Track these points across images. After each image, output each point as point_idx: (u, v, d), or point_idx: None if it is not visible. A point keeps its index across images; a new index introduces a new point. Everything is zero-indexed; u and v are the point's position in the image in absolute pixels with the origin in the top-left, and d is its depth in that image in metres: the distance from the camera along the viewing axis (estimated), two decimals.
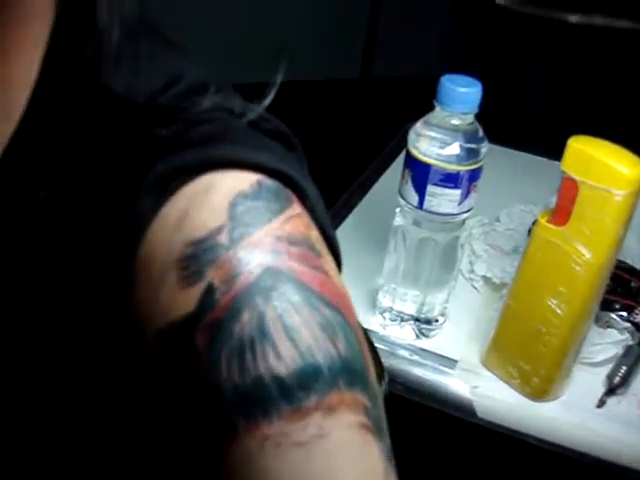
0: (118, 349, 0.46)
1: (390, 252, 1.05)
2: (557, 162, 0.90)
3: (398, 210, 1.01)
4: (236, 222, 0.45)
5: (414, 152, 0.95)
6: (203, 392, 0.43)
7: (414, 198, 0.96)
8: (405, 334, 1.06)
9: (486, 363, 1.03)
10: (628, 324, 1.10)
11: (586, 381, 1.03)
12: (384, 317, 1.07)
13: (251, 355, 0.43)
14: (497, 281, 1.14)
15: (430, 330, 1.06)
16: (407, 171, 0.97)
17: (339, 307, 0.46)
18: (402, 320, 1.06)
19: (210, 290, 0.44)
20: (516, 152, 1.48)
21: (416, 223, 0.99)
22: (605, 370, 1.04)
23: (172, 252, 0.45)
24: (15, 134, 0.40)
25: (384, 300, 1.07)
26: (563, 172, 0.89)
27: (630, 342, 1.08)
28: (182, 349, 0.44)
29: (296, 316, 0.44)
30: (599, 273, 0.91)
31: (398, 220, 1.01)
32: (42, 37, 0.38)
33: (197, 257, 0.44)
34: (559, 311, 0.93)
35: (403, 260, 1.03)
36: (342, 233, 1.20)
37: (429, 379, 1.03)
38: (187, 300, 0.44)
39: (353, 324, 0.47)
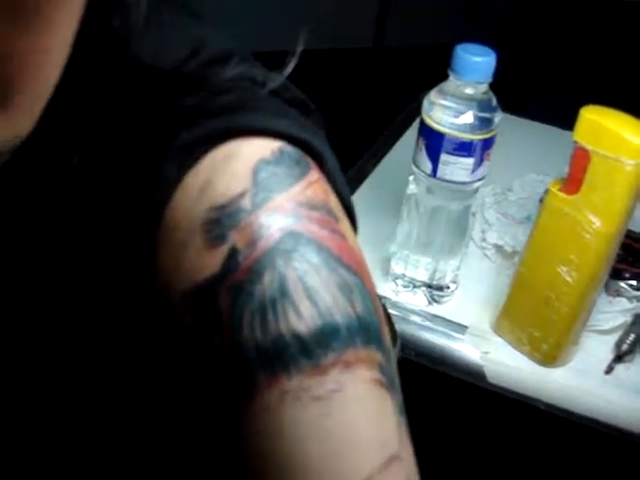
0: (142, 314, 0.48)
1: (403, 220, 1.06)
2: (570, 132, 0.91)
3: (411, 178, 1.02)
4: (259, 187, 0.46)
5: (428, 121, 0.96)
6: (225, 350, 0.45)
7: (428, 166, 0.97)
8: (417, 300, 1.08)
9: (496, 329, 1.05)
10: (638, 293, 1.11)
11: (595, 348, 1.05)
12: (397, 284, 1.09)
13: (272, 314, 0.44)
14: (509, 249, 1.15)
15: (442, 296, 1.08)
16: (421, 139, 0.98)
17: (356, 269, 0.48)
18: (414, 287, 1.08)
19: (233, 253, 0.45)
20: (530, 122, 1.49)
21: (429, 191, 1.00)
22: (614, 338, 1.06)
23: (196, 217, 0.46)
24: (48, 104, 0.41)
25: (397, 267, 1.09)
26: (575, 142, 0.90)
27: (639, 311, 1.09)
28: (206, 310, 0.45)
29: (316, 277, 0.45)
30: (609, 242, 0.93)
31: (411, 188, 1.02)
32: (79, 10, 0.40)
33: (220, 221, 0.46)
34: (569, 279, 0.95)
35: (416, 228, 1.04)
36: (355, 201, 1.20)
37: (440, 344, 1.05)
38: (211, 262, 0.45)
39: (369, 286, 0.49)
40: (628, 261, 1.15)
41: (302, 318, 0.44)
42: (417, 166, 0.99)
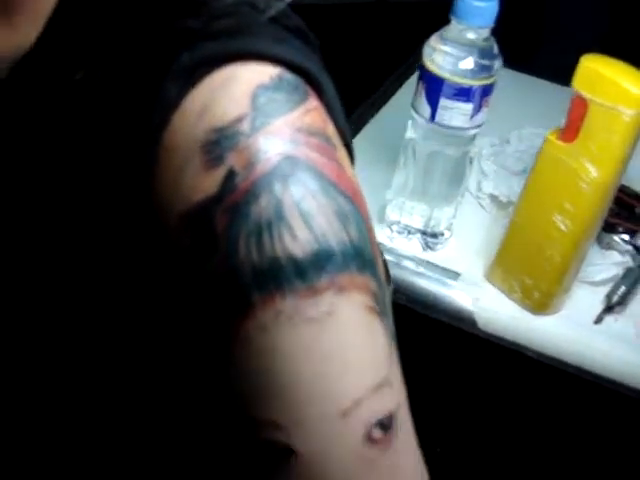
0: (138, 236, 0.49)
1: (400, 166, 1.06)
2: (571, 89, 0.91)
3: (410, 123, 1.02)
4: (257, 112, 0.47)
5: (428, 65, 0.96)
6: (221, 271, 0.45)
7: (426, 111, 0.98)
8: (411, 247, 1.09)
9: (489, 277, 1.06)
10: (630, 247, 1.12)
11: (585, 299, 1.06)
12: (392, 230, 1.09)
13: (268, 237, 0.45)
14: (504, 199, 1.16)
15: (436, 244, 1.09)
16: (421, 84, 0.98)
17: (353, 198, 0.48)
18: (409, 233, 1.09)
19: (231, 175, 0.46)
20: (529, 77, 1.49)
21: (427, 136, 1.00)
22: (605, 289, 1.07)
23: (195, 138, 0.46)
24: (51, 19, 0.42)
25: (392, 214, 1.09)
26: (574, 90, 0.91)
27: (631, 264, 1.10)
28: (203, 231, 0.46)
29: (312, 202, 0.46)
30: (604, 191, 0.93)
31: (410, 133, 1.02)
32: None
33: (219, 143, 0.46)
34: (563, 227, 0.95)
35: (412, 174, 1.05)
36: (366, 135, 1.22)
37: (433, 290, 1.05)
38: (209, 184, 0.46)
39: (365, 215, 0.49)
40: (622, 216, 1.15)
41: (297, 241, 0.45)
42: (416, 111, 1.00)
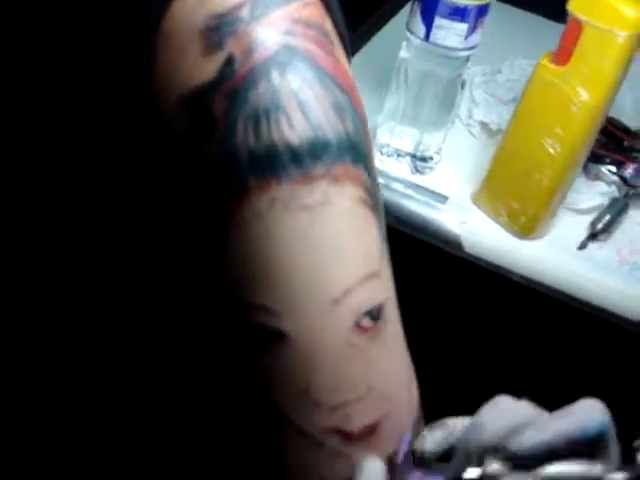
0: (136, 123, 0.49)
1: (392, 90, 1.07)
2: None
3: (404, 44, 1.02)
4: (257, 0, 0.47)
5: None
6: (218, 155, 0.46)
7: (421, 30, 0.98)
8: (401, 170, 1.09)
9: (476, 200, 1.07)
10: (616, 178, 1.13)
11: (571, 225, 1.07)
12: (382, 152, 1.10)
13: (266, 122, 0.45)
14: (494, 127, 1.16)
15: (425, 167, 1.10)
16: (416, 3, 0.98)
17: (349, 91, 0.49)
18: (399, 156, 1.09)
19: (230, 60, 0.46)
20: (524, 12, 1.49)
21: (421, 57, 1.01)
22: (590, 218, 1.08)
23: (195, 24, 0.47)
24: None
25: (383, 137, 1.10)
26: (569, 13, 0.91)
27: (616, 194, 1.12)
28: (201, 114, 0.46)
29: (309, 92, 0.46)
30: (595, 115, 0.94)
31: (403, 54, 1.02)
32: None
33: (219, 29, 0.46)
34: (552, 151, 0.96)
35: (403, 97, 1.05)
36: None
37: (421, 213, 1.06)
38: (208, 68, 0.46)
39: (360, 111, 0.50)
40: (610, 147, 1.16)
41: (294, 129, 0.46)
42: (410, 31, 1.00)
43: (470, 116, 1.19)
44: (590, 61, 0.91)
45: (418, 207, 1.07)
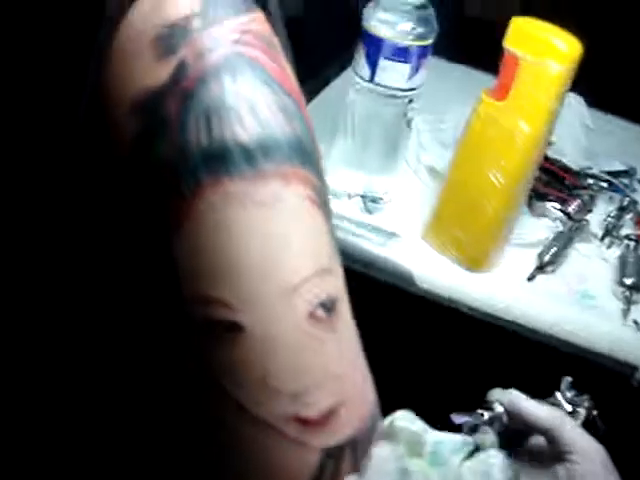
0: (85, 126, 0.50)
1: (340, 133, 1.10)
2: None
3: (351, 87, 1.06)
4: (208, 10, 0.49)
5: (368, 27, 1.00)
6: (171, 154, 0.48)
7: (367, 72, 1.02)
8: (352, 210, 1.12)
9: (426, 237, 1.09)
10: (560, 214, 1.17)
11: (519, 259, 1.10)
12: (332, 194, 1.12)
13: (217, 121, 0.47)
14: (441, 170, 1.20)
15: (375, 207, 1.12)
16: (361, 46, 1.02)
17: (296, 98, 0.51)
18: (349, 197, 1.12)
19: (182, 65, 0.48)
20: (465, 67, 1.55)
21: (367, 98, 1.04)
22: (537, 251, 1.11)
23: (147, 33, 0.49)
24: None
25: (333, 179, 1.13)
26: (506, 49, 0.95)
27: (561, 229, 1.15)
28: (154, 116, 0.48)
29: (259, 94, 0.49)
30: (536, 145, 0.98)
31: (351, 96, 1.06)
32: None
33: (171, 36, 0.49)
34: (496, 182, 0.99)
35: (351, 140, 1.09)
36: None
37: (373, 251, 1.09)
38: (161, 72, 0.48)
39: (306, 116, 0.52)
40: (553, 186, 1.21)
41: (245, 128, 0.48)
42: (356, 73, 1.04)
43: (418, 161, 1.23)
44: (528, 94, 0.95)
45: (370, 245, 1.09)
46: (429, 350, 1.10)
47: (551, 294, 1.07)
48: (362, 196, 1.12)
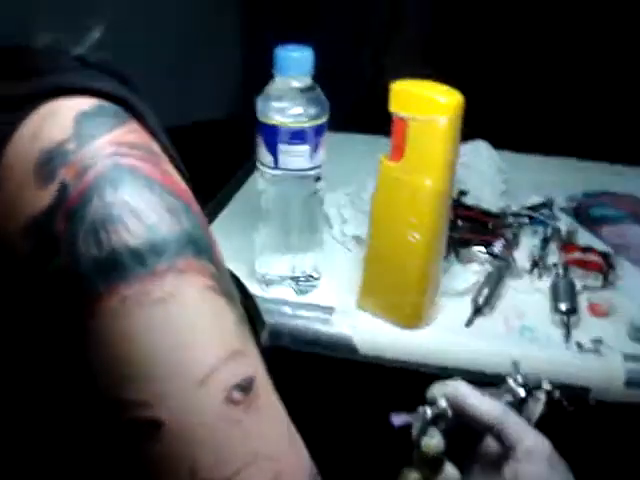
0: None
1: (262, 221, 1.13)
2: None
3: (259, 177, 1.09)
4: (81, 132, 0.53)
5: (262, 118, 1.04)
6: (65, 270, 0.50)
7: (269, 160, 1.05)
8: (285, 293, 1.15)
9: (361, 305, 1.12)
10: (486, 256, 1.20)
11: (454, 308, 1.13)
12: (264, 282, 1.15)
13: (105, 233, 0.50)
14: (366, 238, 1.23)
15: (308, 286, 1.15)
16: (260, 137, 1.06)
17: (181, 196, 0.54)
18: (281, 282, 1.15)
19: (64, 186, 0.51)
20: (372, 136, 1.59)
21: (275, 184, 1.08)
22: (470, 297, 1.14)
23: (29, 160, 0.52)
24: None
25: (261, 268, 1.16)
26: (392, 113, 1.00)
27: (490, 270, 1.18)
28: (44, 237, 0.50)
29: (140, 200, 0.51)
30: (442, 196, 1.01)
31: (261, 185, 1.10)
32: None
33: (49, 162, 0.51)
34: (413, 240, 1.03)
35: (271, 226, 1.12)
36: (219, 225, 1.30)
37: (313, 328, 1.11)
38: (44, 197, 0.51)
39: (196, 211, 0.55)
40: (476, 231, 1.24)
41: (131, 233, 0.50)
42: (261, 162, 1.07)
43: (344, 234, 1.26)
44: (421, 150, 0.99)
45: (309, 323, 1.11)
46: (381, 413, 1.11)
47: (491, 335, 1.09)
48: (293, 278, 1.14)
